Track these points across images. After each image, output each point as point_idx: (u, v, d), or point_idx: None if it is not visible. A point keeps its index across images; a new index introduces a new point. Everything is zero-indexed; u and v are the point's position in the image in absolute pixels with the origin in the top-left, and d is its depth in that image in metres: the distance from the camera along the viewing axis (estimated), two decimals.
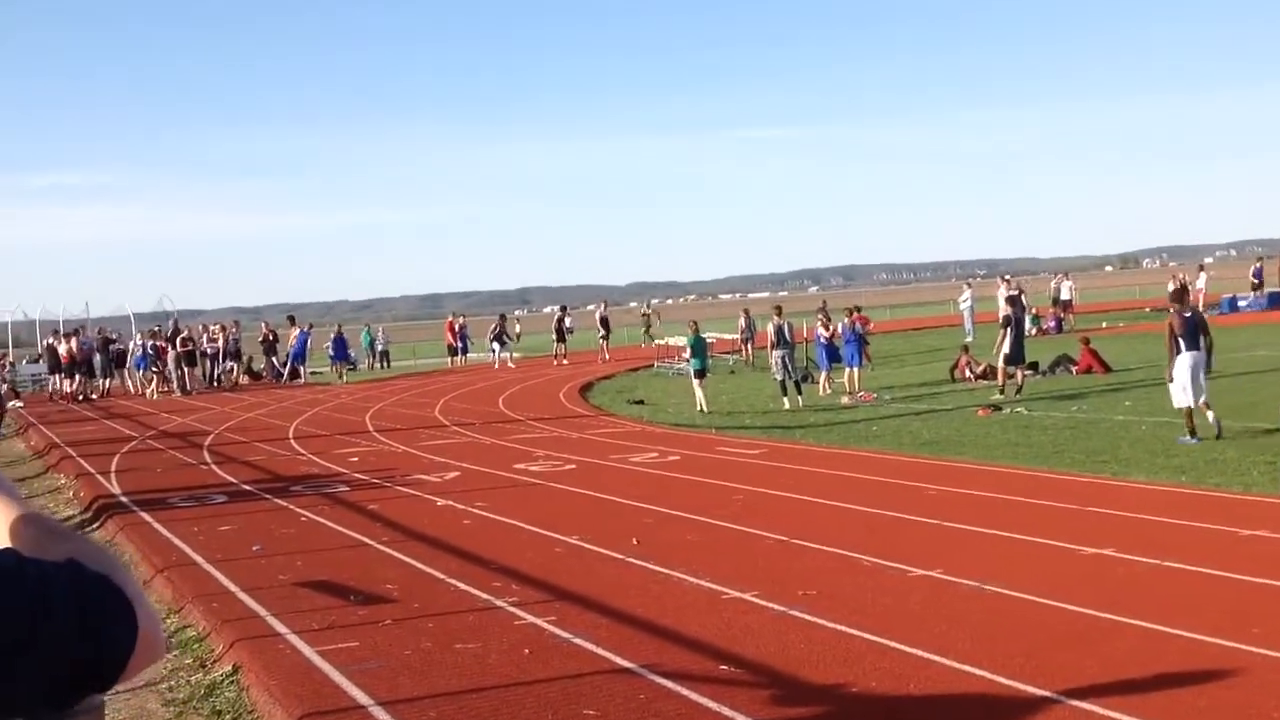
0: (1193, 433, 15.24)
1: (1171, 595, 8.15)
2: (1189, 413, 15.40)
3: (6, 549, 1.52)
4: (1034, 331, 37.39)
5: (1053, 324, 42.39)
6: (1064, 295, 45.62)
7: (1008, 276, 41.88)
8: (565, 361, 42.16)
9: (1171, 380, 15.73)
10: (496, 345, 43.93)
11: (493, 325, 45.56)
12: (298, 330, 42.33)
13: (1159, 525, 10.46)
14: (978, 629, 7.60)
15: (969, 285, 45.49)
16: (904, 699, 6.51)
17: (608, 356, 42.59)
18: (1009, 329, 23.03)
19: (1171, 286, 50.16)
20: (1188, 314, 16.24)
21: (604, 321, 44.56)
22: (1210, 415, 15.37)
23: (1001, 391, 22.53)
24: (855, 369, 25.44)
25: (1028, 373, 23.86)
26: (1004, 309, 24.37)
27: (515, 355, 44.84)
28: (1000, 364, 23.13)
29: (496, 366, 42.47)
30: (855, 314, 27.81)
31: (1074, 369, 26.20)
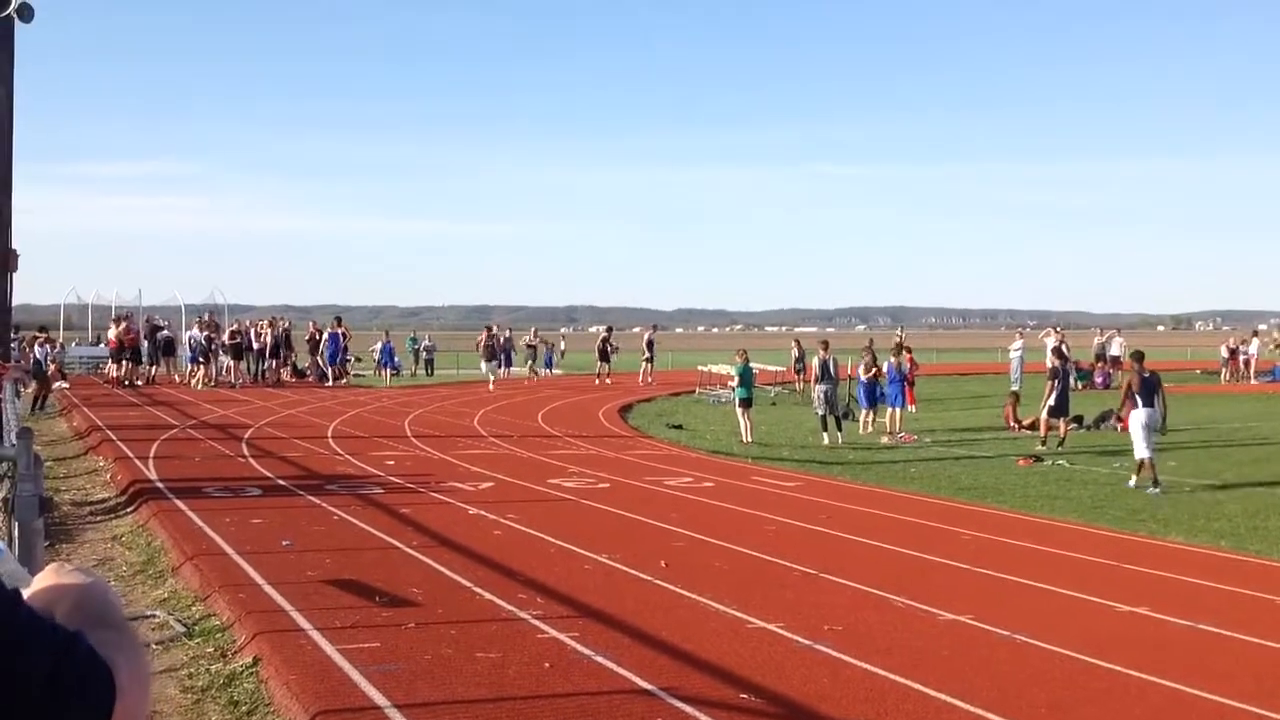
0: (1155, 483, 16.34)
1: (1203, 658, 8.00)
2: (1150, 464, 16.57)
3: (18, 591, 1.42)
4: (1080, 386, 37.03)
5: (1100, 379, 41.96)
6: (1114, 351, 45.19)
7: (1058, 327, 41.57)
8: (609, 381, 42.16)
9: (1128, 429, 17.13)
10: (484, 363, 40.58)
11: (480, 338, 42.09)
12: (328, 332, 42.33)
13: (1195, 587, 10.30)
14: (1004, 678, 7.49)
15: (1021, 335, 45.22)
16: None
17: (651, 380, 42.57)
18: (1055, 380, 22.88)
19: (1224, 352, 49.95)
20: (1146, 374, 17.45)
21: (649, 345, 44.63)
22: (1152, 480, 16.40)
23: (1043, 443, 22.33)
24: (897, 409, 25.27)
25: (1071, 425, 23.61)
26: (1051, 360, 24.18)
27: (501, 373, 41.53)
28: (1043, 415, 22.95)
29: (491, 388, 38.83)
30: (904, 352, 27.53)
31: (1119, 425, 25.87)
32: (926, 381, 40.01)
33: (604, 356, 43.58)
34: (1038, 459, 20.37)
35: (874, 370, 25.78)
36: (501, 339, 46.46)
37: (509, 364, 46.21)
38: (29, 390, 28.57)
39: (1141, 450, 16.68)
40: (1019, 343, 42.06)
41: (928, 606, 9.36)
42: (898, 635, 8.52)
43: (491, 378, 39.83)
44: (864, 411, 26.11)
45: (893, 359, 26.00)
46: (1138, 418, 16.92)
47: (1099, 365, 43.96)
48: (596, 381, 42.44)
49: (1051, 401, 22.73)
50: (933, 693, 7.15)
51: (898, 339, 28.59)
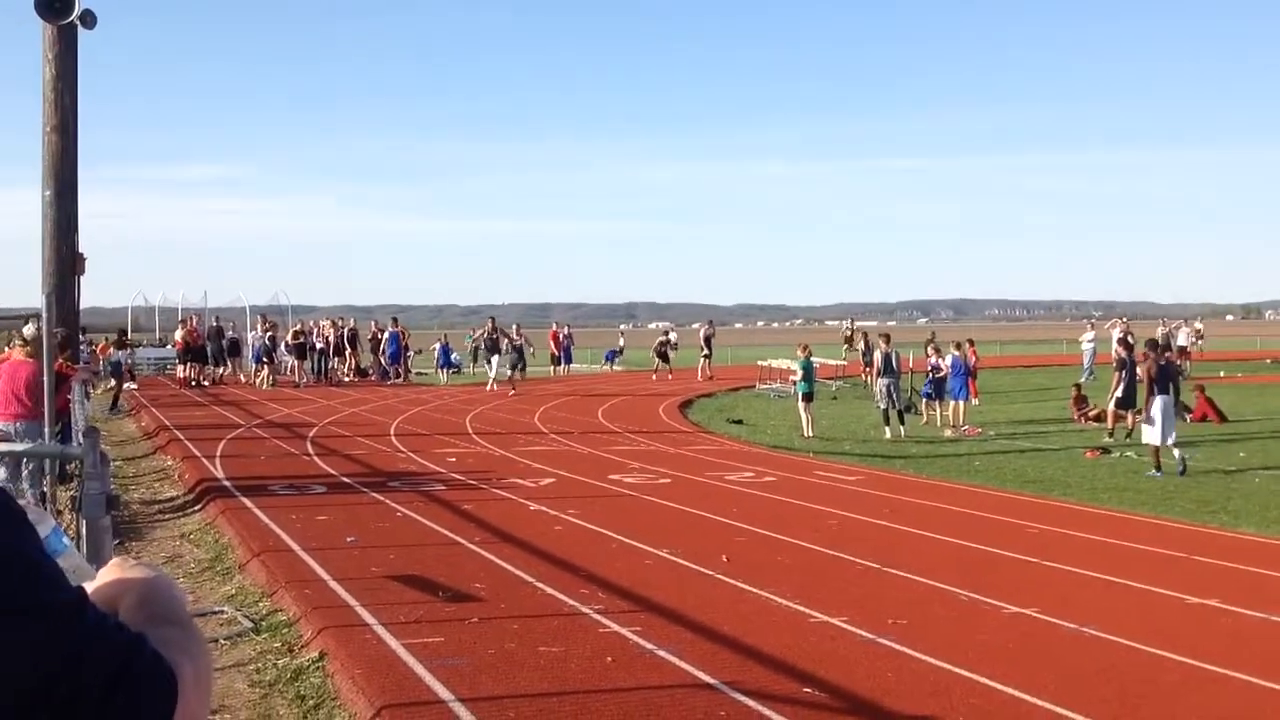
0: (1158, 467, 17.11)
1: (1276, 651, 7.84)
2: (1156, 450, 17.27)
3: (84, 589, 1.41)
4: None
5: None
6: (1180, 341, 44.54)
7: (1124, 318, 41.05)
8: (669, 377, 42.14)
9: (1149, 421, 17.43)
10: (492, 359, 36.38)
11: (481, 330, 38.22)
12: (388, 332, 42.92)
13: (1268, 579, 10.10)
14: (1072, 671, 7.39)
15: (1091, 325, 44.77)
16: None
17: (710, 375, 42.47)
18: (1122, 372, 22.62)
19: None
20: (1163, 362, 18.13)
21: (708, 340, 44.52)
22: (1177, 453, 17.10)
23: (1111, 434, 22.05)
24: (961, 402, 25.04)
25: (1139, 416, 23.29)
26: (1117, 351, 23.90)
27: (512, 375, 35.84)
28: (1110, 406, 22.68)
29: (491, 388, 35.80)
30: (968, 345, 27.30)
31: (1188, 416, 25.47)
32: (990, 374, 39.68)
33: (664, 358, 43.53)
34: (1105, 451, 20.12)
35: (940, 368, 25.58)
36: (561, 335, 46.52)
37: (569, 360, 46.25)
38: (100, 391, 29.09)
39: (1151, 436, 17.35)
40: (1090, 334, 41.66)
41: (993, 600, 9.26)
42: (963, 629, 8.44)
43: (492, 376, 36.33)
44: (924, 402, 25.95)
45: (955, 351, 25.77)
46: (1156, 405, 17.40)
47: (1166, 356, 43.24)
48: (654, 378, 42.43)
49: (1119, 393, 22.49)
50: (999, 686, 7.07)
51: (846, 332, 28.16)
